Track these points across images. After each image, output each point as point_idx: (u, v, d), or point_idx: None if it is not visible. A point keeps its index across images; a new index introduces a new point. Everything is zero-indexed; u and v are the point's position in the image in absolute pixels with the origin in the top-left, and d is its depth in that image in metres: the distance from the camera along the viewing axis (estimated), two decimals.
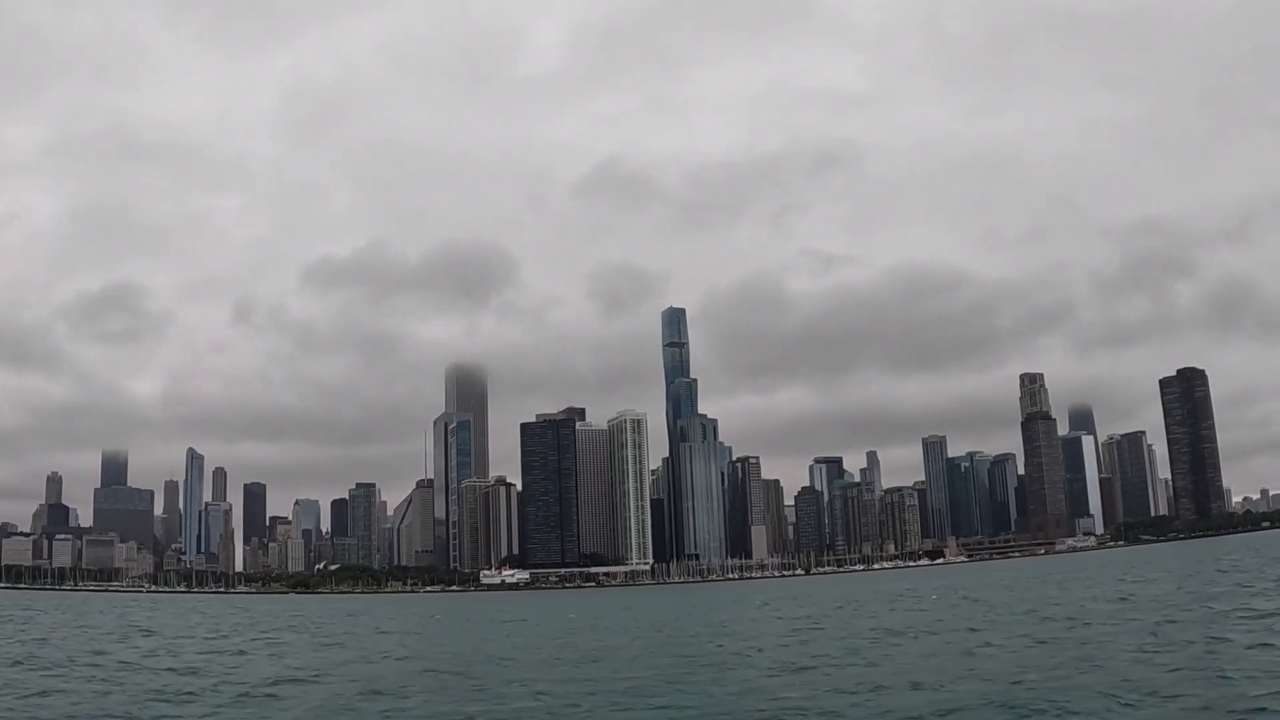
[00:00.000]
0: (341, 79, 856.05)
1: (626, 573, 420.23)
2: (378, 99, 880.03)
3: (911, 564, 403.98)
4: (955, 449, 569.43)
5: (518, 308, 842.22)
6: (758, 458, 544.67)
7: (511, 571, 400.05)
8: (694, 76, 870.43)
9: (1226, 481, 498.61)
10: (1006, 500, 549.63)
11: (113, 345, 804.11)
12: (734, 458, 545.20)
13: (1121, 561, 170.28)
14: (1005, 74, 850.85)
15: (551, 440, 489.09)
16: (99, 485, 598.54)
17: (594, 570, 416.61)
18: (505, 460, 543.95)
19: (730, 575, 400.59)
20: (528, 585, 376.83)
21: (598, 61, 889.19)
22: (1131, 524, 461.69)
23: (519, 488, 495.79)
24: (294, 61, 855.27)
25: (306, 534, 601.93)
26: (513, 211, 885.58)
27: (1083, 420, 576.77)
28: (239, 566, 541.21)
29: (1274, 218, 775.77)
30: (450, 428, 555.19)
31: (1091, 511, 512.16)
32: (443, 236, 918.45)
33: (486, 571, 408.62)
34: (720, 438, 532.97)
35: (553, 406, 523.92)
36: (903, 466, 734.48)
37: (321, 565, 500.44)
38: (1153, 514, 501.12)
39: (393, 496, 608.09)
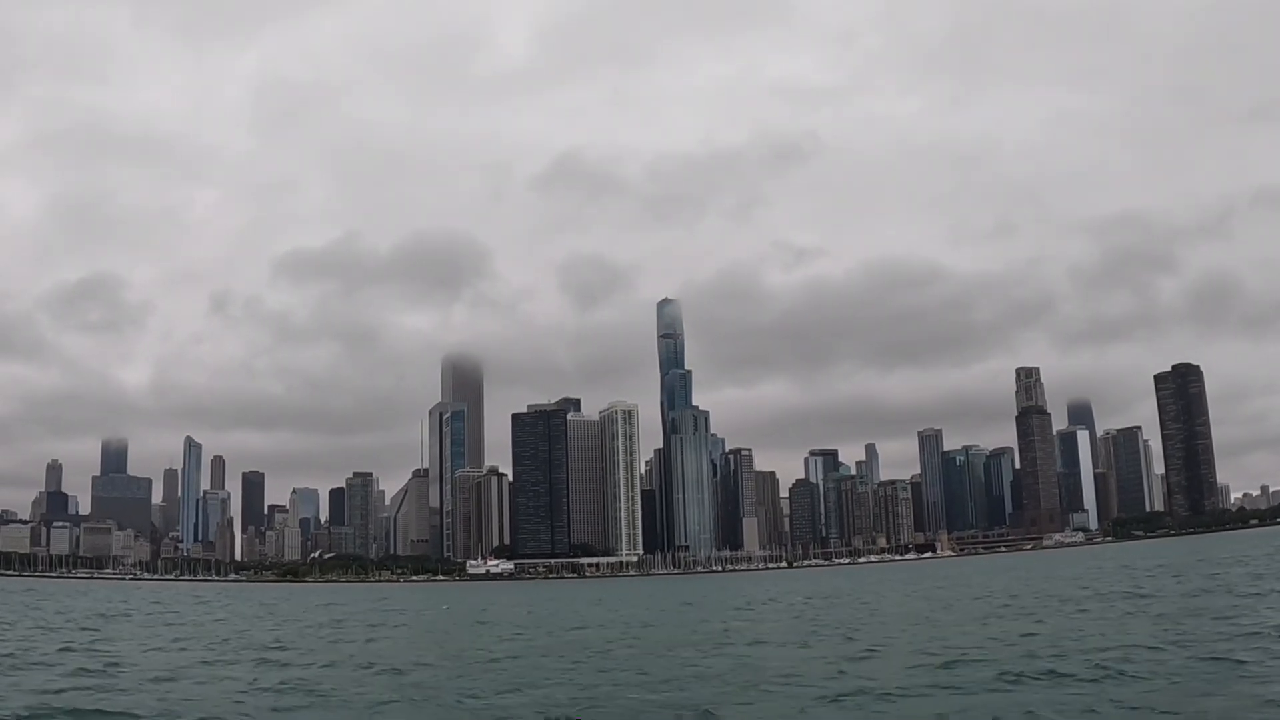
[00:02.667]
0: (311, 74, 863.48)
1: (612, 564, 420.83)
2: (347, 93, 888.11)
3: (899, 558, 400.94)
4: (951, 443, 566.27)
5: (492, 299, 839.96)
6: (750, 450, 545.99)
7: (496, 562, 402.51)
8: (658, 70, 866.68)
9: (1224, 478, 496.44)
10: (1002, 494, 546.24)
11: (94, 335, 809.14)
12: (726, 449, 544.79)
13: (1072, 560, 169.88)
14: (974, 68, 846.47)
15: (542, 431, 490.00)
16: (98, 473, 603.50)
17: (579, 561, 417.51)
18: (501, 450, 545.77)
19: (715, 568, 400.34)
20: (512, 575, 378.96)
21: (562, 55, 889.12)
22: (1125, 520, 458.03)
23: (510, 478, 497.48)
24: (264, 57, 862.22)
25: (304, 523, 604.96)
26: (482, 204, 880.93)
27: (1081, 415, 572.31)
28: (237, 555, 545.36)
29: (1253, 213, 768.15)
30: (445, 417, 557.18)
31: (1086, 506, 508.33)
32: (414, 228, 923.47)
33: (472, 562, 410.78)
34: (711, 429, 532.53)
35: (548, 397, 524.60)
36: (899, 460, 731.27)
37: (317, 554, 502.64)
38: (1148, 510, 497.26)
39: (390, 486, 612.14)
